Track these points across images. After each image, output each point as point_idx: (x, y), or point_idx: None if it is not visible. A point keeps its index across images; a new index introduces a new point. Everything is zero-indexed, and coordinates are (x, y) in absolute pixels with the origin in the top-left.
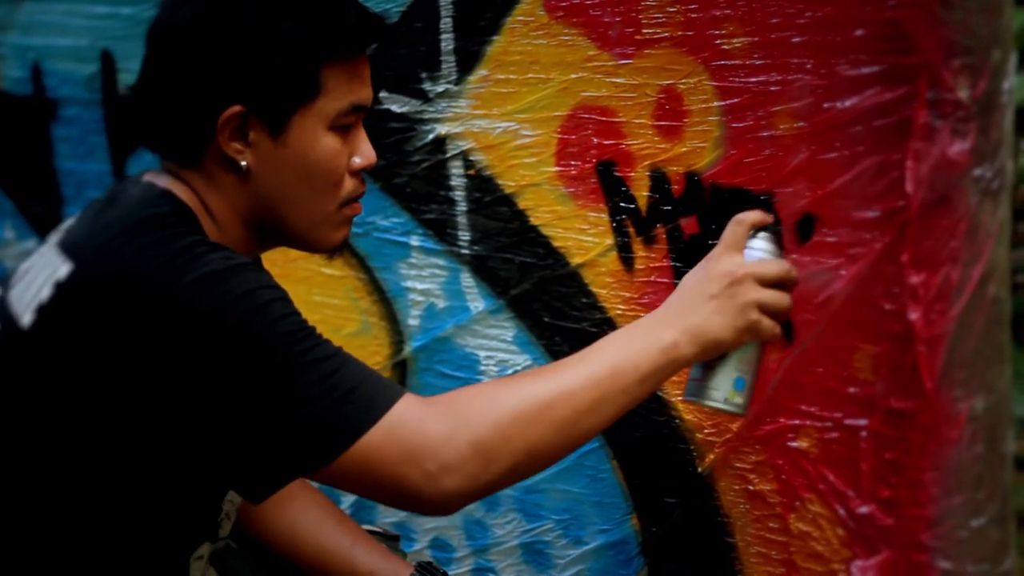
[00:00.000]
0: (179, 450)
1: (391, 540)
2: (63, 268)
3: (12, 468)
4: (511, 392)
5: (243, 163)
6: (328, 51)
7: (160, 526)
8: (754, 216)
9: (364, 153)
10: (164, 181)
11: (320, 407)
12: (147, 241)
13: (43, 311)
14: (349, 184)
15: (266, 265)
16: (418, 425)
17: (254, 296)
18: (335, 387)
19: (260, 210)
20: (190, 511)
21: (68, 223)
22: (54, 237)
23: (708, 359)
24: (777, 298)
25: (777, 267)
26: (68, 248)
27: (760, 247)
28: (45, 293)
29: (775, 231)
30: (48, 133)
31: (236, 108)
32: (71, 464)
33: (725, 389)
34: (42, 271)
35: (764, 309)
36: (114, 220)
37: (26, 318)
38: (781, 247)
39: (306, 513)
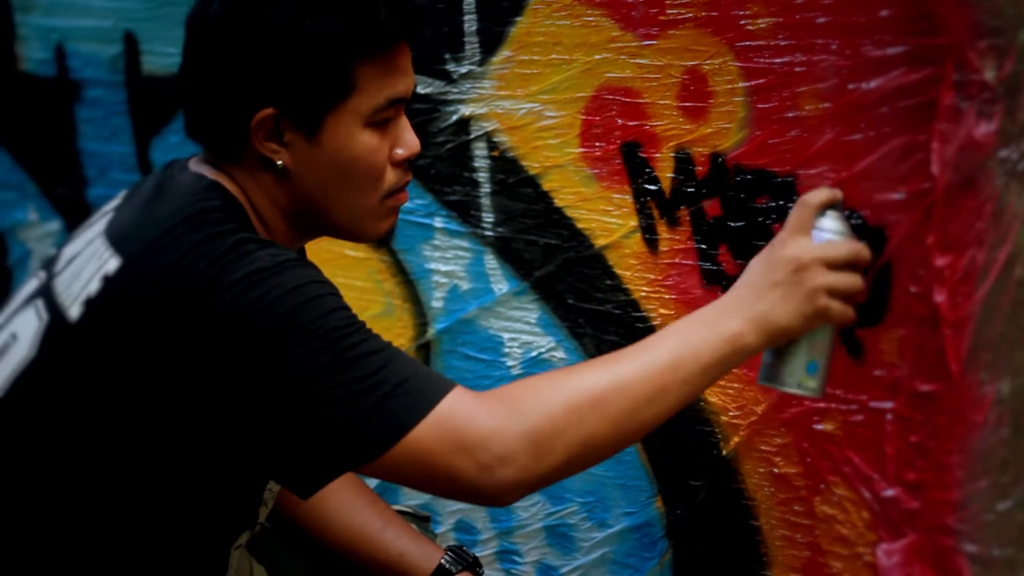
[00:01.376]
0: (225, 444)
1: (422, 521)
2: (112, 262)
3: (58, 457)
4: (565, 383)
5: (279, 162)
6: (359, 49)
7: (203, 517)
8: (821, 195)
9: (406, 143)
10: (211, 172)
11: (369, 401)
12: (198, 238)
13: (91, 305)
14: (391, 176)
15: None
16: (469, 417)
17: (303, 291)
18: (384, 381)
19: (301, 206)
20: (233, 502)
21: (114, 206)
22: (99, 223)
23: (777, 346)
24: (847, 281)
25: (846, 249)
26: (117, 241)
27: (829, 227)
28: (94, 287)
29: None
30: (71, 114)
31: (268, 111)
32: (117, 454)
33: (798, 374)
34: (90, 262)
35: (833, 293)
36: (165, 214)
37: (74, 311)
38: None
39: (338, 495)
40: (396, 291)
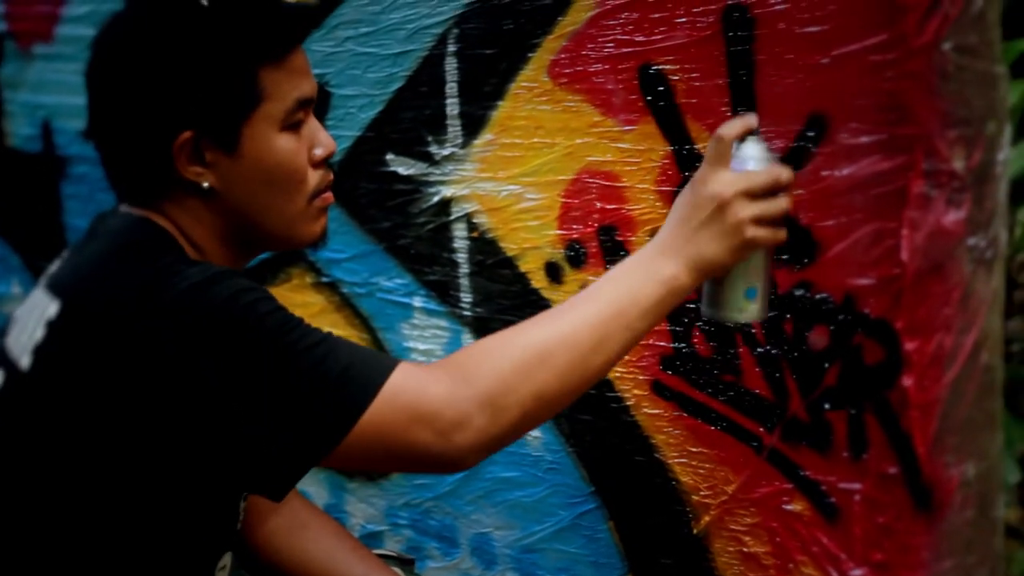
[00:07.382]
0: (192, 461)
1: (406, 564)
2: (52, 307)
3: (29, 501)
4: (511, 342)
5: (205, 184)
6: (260, 55)
7: (183, 538)
8: (736, 127)
9: (322, 143)
10: (139, 211)
11: (319, 390)
12: (128, 267)
13: (39, 352)
14: (314, 178)
15: None
16: (419, 389)
17: (237, 299)
18: (330, 369)
19: (234, 224)
20: (211, 520)
21: (54, 266)
22: (43, 281)
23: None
24: (771, 207)
25: (765, 176)
26: (55, 287)
27: (749, 155)
28: (39, 334)
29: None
30: (57, 190)
31: (186, 134)
32: (87, 492)
33: (739, 301)
34: (33, 313)
35: (760, 221)
36: (95, 253)
37: (24, 360)
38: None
39: (319, 541)
40: None
